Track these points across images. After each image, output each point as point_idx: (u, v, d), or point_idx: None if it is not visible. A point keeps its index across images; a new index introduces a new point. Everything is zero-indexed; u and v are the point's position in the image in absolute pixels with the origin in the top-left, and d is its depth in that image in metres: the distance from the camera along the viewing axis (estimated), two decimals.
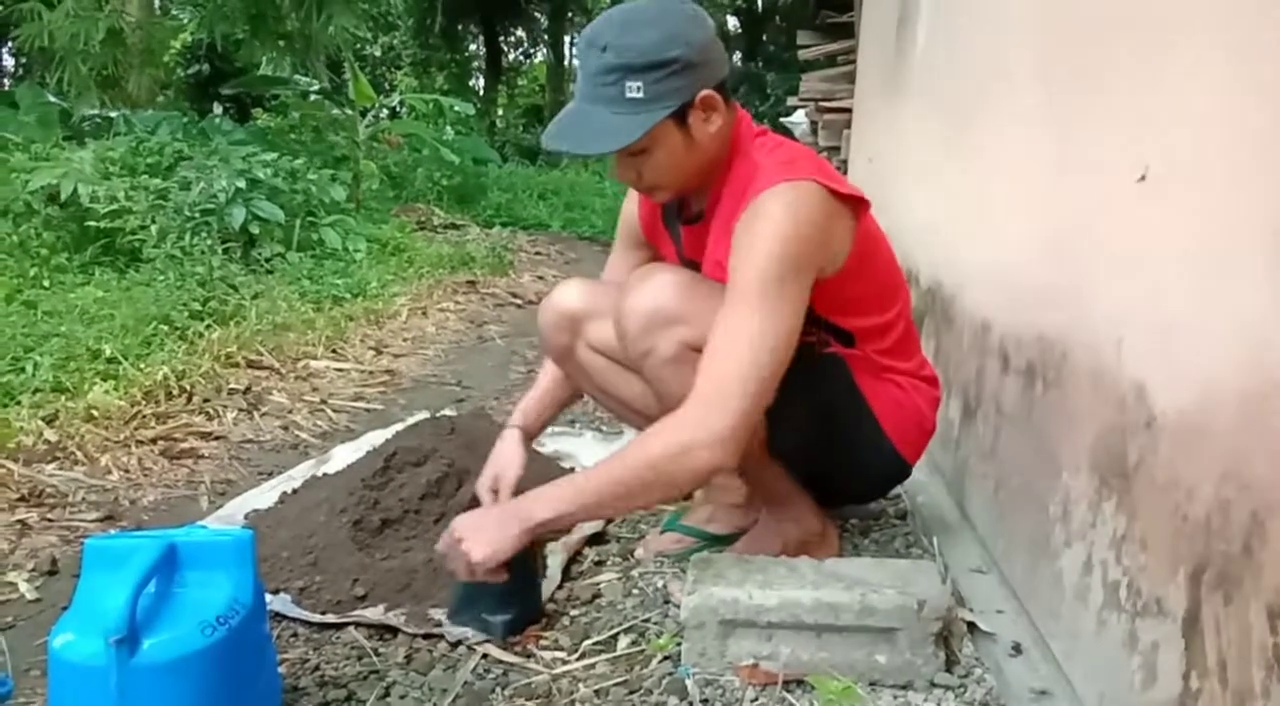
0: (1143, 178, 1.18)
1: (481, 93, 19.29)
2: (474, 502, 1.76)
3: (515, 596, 1.52)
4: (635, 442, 1.44)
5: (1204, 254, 1.03)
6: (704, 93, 1.49)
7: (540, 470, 2.09)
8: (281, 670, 1.38)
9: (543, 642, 1.51)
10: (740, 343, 1.40)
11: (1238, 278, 0.95)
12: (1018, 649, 1.44)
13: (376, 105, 7.69)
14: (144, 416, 2.57)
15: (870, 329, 1.63)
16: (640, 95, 1.45)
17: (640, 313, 1.51)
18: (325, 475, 2.10)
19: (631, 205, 1.83)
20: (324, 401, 2.98)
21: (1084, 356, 1.34)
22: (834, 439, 1.62)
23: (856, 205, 1.54)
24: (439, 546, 1.47)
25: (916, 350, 1.74)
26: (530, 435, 1.84)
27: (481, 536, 1.41)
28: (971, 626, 1.50)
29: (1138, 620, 1.11)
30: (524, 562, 1.48)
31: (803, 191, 1.45)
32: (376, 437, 2.38)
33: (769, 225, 1.43)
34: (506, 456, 1.76)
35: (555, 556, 1.76)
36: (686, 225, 1.69)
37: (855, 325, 1.60)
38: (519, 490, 1.65)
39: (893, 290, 1.68)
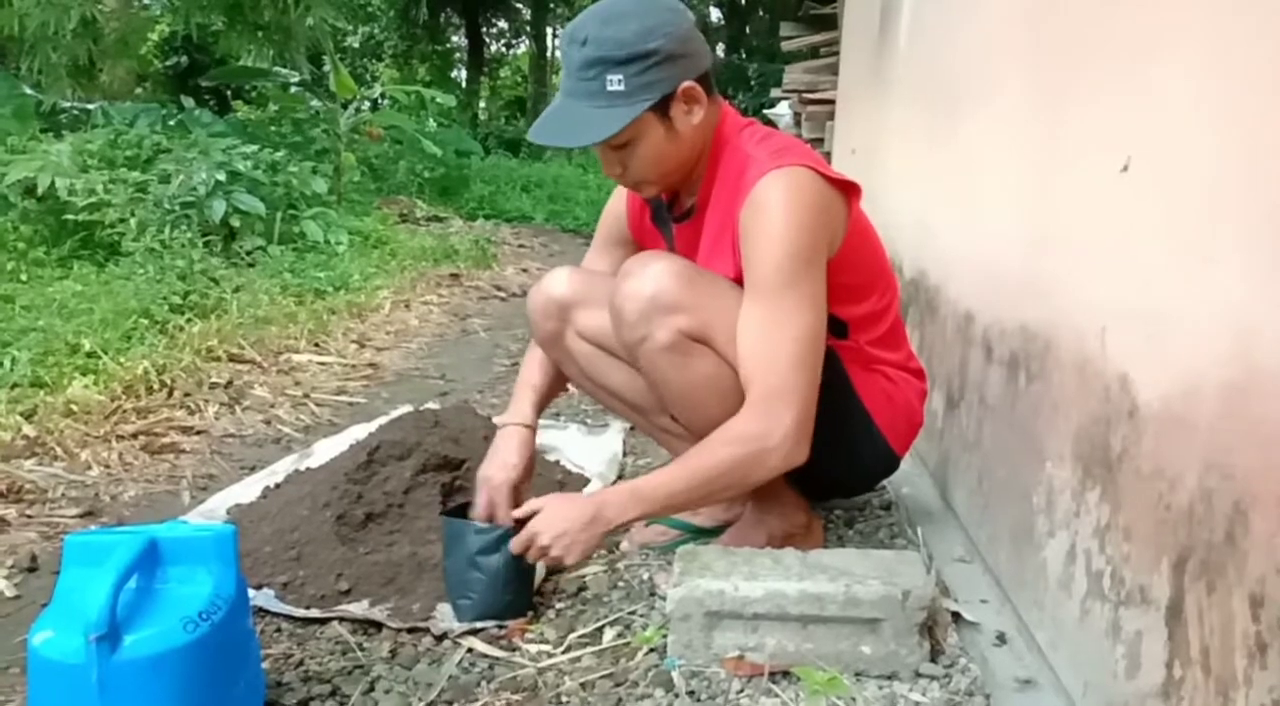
0: (1125, 168, 1.18)
1: (464, 84, 19.21)
2: (454, 503, 1.75)
3: (518, 584, 1.54)
4: (703, 449, 1.45)
5: (1187, 244, 1.03)
6: (685, 84, 1.49)
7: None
8: (265, 665, 1.37)
9: (528, 635, 1.51)
10: (782, 339, 1.43)
11: (1220, 267, 0.95)
12: (1002, 638, 1.45)
13: (357, 97, 7.65)
14: (124, 411, 2.55)
15: (863, 317, 1.63)
16: (621, 88, 1.45)
17: (638, 298, 1.49)
18: (308, 469, 2.08)
19: (618, 203, 1.82)
20: (306, 395, 2.96)
21: (1067, 347, 1.34)
22: (825, 431, 1.62)
23: (847, 191, 1.54)
24: (513, 545, 1.47)
25: (904, 341, 1.75)
26: (534, 431, 1.75)
27: (571, 544, 1.44)
28: (956, 616, 1.50)
29: (1121, 609, 1.12)
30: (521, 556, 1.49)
31: (797, 177, 1.46)
32: (359, 431, 2.37)
33: (775, 215, 1.44)
34: (516, 457, 1.66)
35: None
36: (678, 223, 1.68)
37: (850, 314, 1.60)
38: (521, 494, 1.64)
39: (884, 278, 1.69)
